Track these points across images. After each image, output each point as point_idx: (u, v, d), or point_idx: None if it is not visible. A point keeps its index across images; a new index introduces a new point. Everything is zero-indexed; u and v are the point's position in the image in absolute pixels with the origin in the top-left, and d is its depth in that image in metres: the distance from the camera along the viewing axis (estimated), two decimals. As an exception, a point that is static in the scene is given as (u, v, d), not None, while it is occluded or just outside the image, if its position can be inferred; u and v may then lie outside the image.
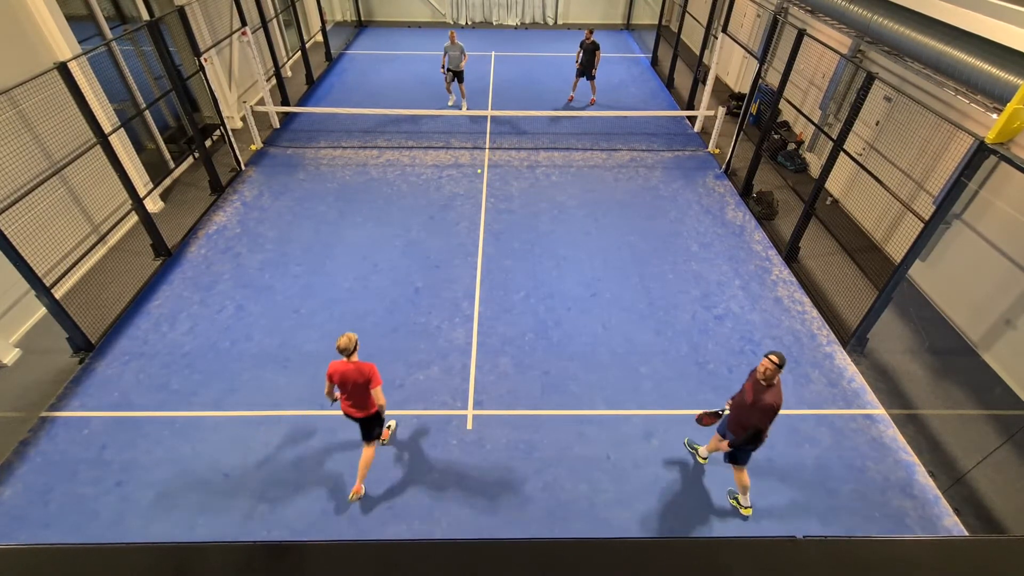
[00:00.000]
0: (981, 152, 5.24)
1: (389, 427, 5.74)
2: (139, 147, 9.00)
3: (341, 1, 19.40)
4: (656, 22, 18.42)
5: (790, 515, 5.15)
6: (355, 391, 4.71)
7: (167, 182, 9.58)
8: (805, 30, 8.31)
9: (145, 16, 9.36)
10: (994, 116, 5.78)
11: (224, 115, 10.06)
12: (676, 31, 15.10)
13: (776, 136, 11.11)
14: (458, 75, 12.47)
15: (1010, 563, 1.48)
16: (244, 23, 11.05)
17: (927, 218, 5.82)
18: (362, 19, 19.59)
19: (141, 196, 7.74)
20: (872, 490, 5.35)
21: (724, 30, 11.24)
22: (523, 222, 9.14)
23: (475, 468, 5.48)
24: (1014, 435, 5.76)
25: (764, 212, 9.38)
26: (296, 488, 5.27)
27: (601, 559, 1.49)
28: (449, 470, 5.46)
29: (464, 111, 12.72)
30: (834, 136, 7.35)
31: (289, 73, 14.66)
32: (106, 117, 7.58)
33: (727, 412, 4.93)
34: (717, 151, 11.46)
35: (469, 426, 5.89)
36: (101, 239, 7.40)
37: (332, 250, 8.40)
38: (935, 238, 7.28)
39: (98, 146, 6.91)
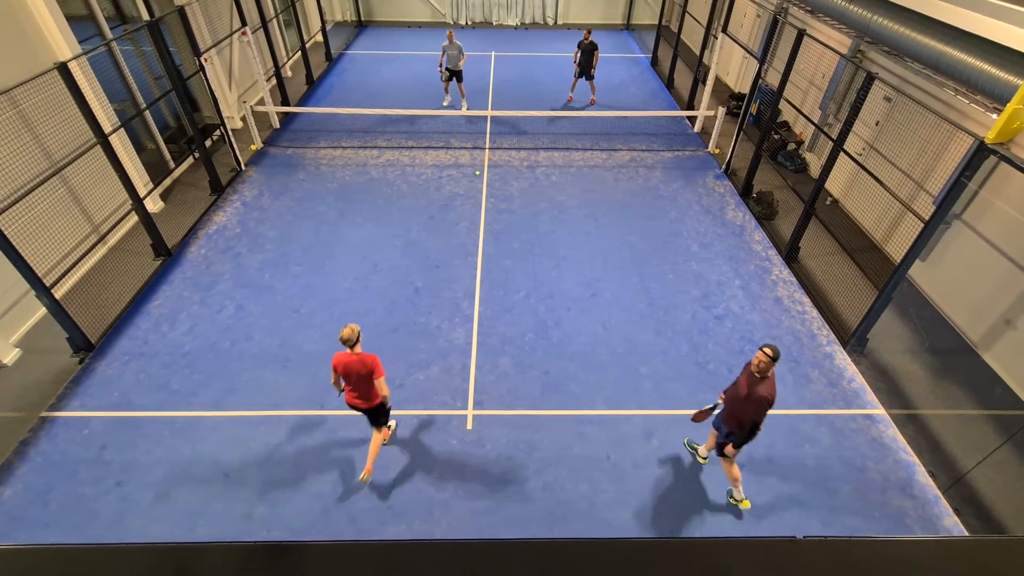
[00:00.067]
0: (981, 152, 5.24)
1: (390, 427, 5.74)
2: (139, 147, 9.00)
3: (341, 1, 19.40)
4: (656, 22, 18.41)
5: (790, 515, 5.15)
6: (359, 382, 4.76)
7: (167, 182, 9.58)
8: (805, 30, 8.31)
9: (145, 16, 9.36)
10: (994, 116, 5.78)
11: (224, 115, 10.06)
12: (676, 31, 15.10)
13: (776, 136, 11.11)
14: (457, 75, 12.46)
15: (1010, 563, 1.48)
16: (244, 23, 11.05)
17: (927, 218, 5.82)
18: (362, 19, 19.59)
19: (141, 196, 7.74)
20: (872, 490, 5.35)
21: (724, 30, 11.24)
22: (523, 222, 9.14)
23: (475, 468, 5.48)
24: (1014, 435, 5.76)
25: (764, 212, 9.38)
26: (296, 488, 5.27)
27: (601, 559, 1.49)
28: (449, 470, 5.46)
29: (464, 111, 12.72)
30: (834, 136, 7.35)
31: (289, 73, 14.66)
32: (106, 117, 7.58)
33: (720, 405, 4.97)
34: (717, 151, 11.46)
35: (469, 426, 5.89)
36: (101, 239, 7.40)
37: (332, 250, 8.40)
38: (935, 238, 7.28)
39: (98, 146, 6.91)
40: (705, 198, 9.93)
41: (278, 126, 12.15)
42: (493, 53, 16.87)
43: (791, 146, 10.97)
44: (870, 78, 6.68)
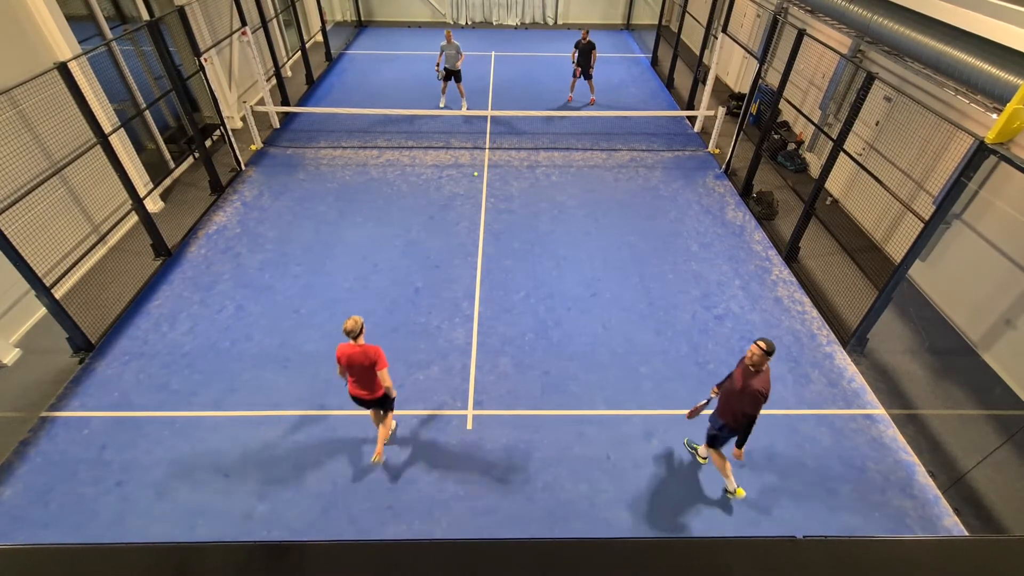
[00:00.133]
0: (981, 152, 5.24)
1: (391, 428, 5.74)
2: (139, 147, 9.00)
3: (341, 1, 19.40)
4: (656, 22, 18.41)
5: (790, 515, 5.15)
6: (362, 373, 4.80)
7: (167, 182, 9.58)
8: (805, 30, 8.31)
9: (145, 16, 9.36)
10: (994, 116, 5.78)
11: (224, 115, 10.06)
12: (676, 31, 15.10)
13: (776, 136, 11.11)
14: (455, 75, 12.45)
15: (1010, 563, 1.48)
16: (244, 23, 11.05)
17: (927, 218, 5.82)
18: (362, 19, 19.58)
19: (141, 196, 7.74)
20: (872, 490, 5.36)
21: (724, 30, 11.24)
22: (523, 222, 9.14)
23: (475, 468, 5.48)
24: (1014, 435, 5.75)
25: (764, 212, 9.38)
26: (296, 488, 5.27)
27: (601, 559, 1.49)
28: (449, 470, 5.46)
29: (464, 111, 12.72)
30: (834, 136, 7.35)
31: (289, 73, 14.66)
32: (106, 117, 7.58)
33: (713, 399, 5.03)
34: (717, 151, 11.46)
35: (469, 426, 5.89)
36: (101, 239, 7.40)
37: (332, 250, 8.40)
38: (935, 238, 7.28)
39: (98, 146, 6.91)
40: (705, 198, 9.93)
41: (278, 126, 12.15)
42: (493, 53, 16.87)
43: (791, 146, 10.97)
44: (870, 78, 6.68)
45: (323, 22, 16.12)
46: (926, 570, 1.48)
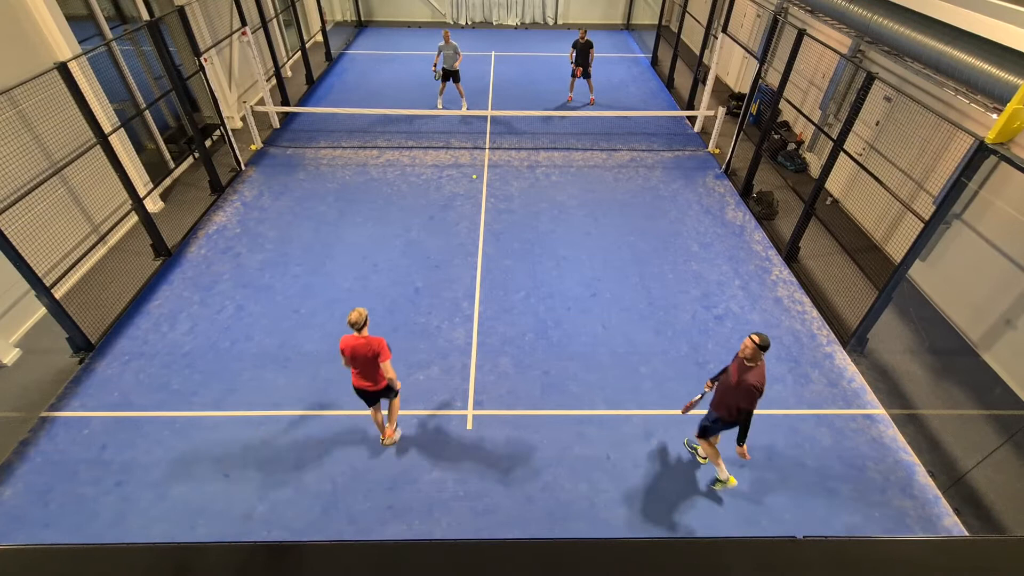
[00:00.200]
0: (981, 152, 5.24)
1: (395, 435, 5.73)
2: (139, 147, 9.00)
3: (341, 1, 19.40)
4: (656, 22, 18.42)
5: (790, 515, 5.15)
6: (365, 365, 4.83)
7: (167, 182, 9.58)
8: (805, 30, 8.31)
9: (145, 16, 9.36)
10: (994, 116, 5.79)
11: (224, 115, 10.06)
12: (676, 31, 15.10)
13: (776, 136, 11.11)
14: (454, 75, 12.44)
15: (1010, 563, 1.48)
16: (244, 23, 11.05)
17: (927, 218, 5.82)
18: (362, 19, 19.58)
19: (141, 196, 7.74)
20: (872, 490, 5.35)
21: (724, 30, 11.23)
22: (523, 222, 9.14)
23: (475, 468, 5.48)
24: (1014, 435, 5.75)
25: (764, 212, 9.38)
26: (296, 488, 5.27)
27: (601, 559, 1.49)
28: (449, 470, 5.46)
29: (464, 111, 12.72)
30: (834, 136, 7.35)
31: (289, 73, 14.66)
32: (106, 117, 7.58)
33: (707, 394, 5.06)
34: (717, 151, 11.46)
35: (469, 426, 5.89)
36: (101, 239, 7.40)
37: (332, 250, 8.40)
38: (935, 238, 7.28)
39: (98, 146, 6.91)
40: (705, 198, 9.92)
41: (278, 126, 12.15)
42: (493, 53, 16.87)
43: (791, 146, 10.97)
44: (870, 78, 6.68)
45: (323, 22, 16.12)
46: (926, 570, 1.48)
